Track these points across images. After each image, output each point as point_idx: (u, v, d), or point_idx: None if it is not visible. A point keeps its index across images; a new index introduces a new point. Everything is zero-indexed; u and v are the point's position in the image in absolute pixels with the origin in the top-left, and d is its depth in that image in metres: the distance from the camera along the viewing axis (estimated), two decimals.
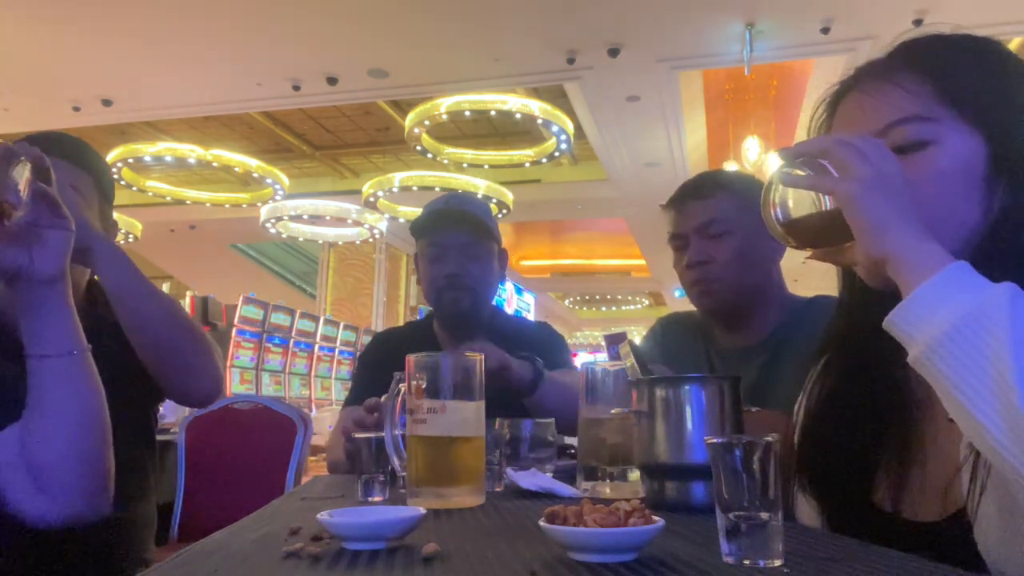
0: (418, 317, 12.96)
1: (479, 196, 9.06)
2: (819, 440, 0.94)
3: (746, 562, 0.61)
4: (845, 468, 0.89)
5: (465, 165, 9.97)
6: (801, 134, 8.58)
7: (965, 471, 0.75)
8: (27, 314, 0.97)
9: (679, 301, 19.65)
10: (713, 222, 1.52)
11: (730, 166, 8.27)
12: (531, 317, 14.34)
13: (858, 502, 0.88)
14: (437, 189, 9.74)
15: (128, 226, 11.94)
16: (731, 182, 1.59)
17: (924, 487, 0.83)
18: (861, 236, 0.71)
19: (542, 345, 1.78)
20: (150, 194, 11.24)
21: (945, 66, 0.83)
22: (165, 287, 12.33)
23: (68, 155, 1.33)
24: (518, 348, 1.60)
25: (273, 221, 11.50)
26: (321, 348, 11.57)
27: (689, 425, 0.94)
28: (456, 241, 1.77)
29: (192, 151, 9.44)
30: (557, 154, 9.11)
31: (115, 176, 7.87)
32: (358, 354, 11.08)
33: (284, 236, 12.45)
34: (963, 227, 0.80)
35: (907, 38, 0.88)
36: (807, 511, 0.96)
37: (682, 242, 1.57)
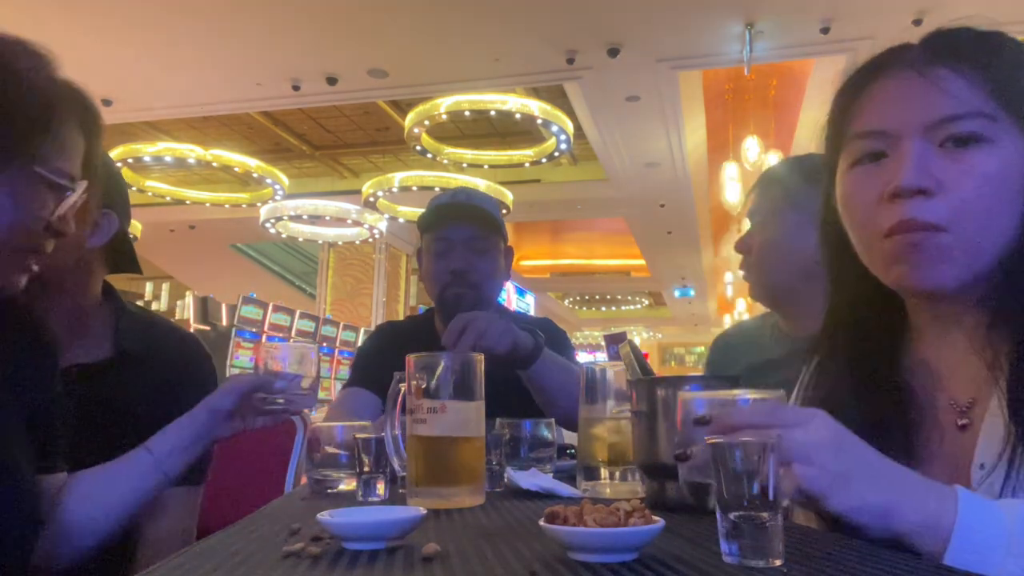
0: None
1: None
2: None
3: (746, 562, 0.61)
4: None
5: (465, 165, 9.95)
6: (801, 133, 8.57)
7: (983, 488, 0.74)
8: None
9: (679, 301, 19.64)
10: (754, 212, 1.51)
11: (730, 166, 8.26)
12: None
13: None
14: (437, 189, 9.72)
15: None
16: (780, 175, 1.54)
17: None
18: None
19: (546, 340, 1.78)
20: (150, 194, 11.22)
21: (999, 64, 0.80)
22: (165, 287, 12.36)
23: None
24: None
25: (273, 221, 11.49)
26: (321, 348, 11.55)
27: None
28: (462, 236, 1.76)
29: (192, 151, 9.42)
30: (557, 154, 9.09)
31: None
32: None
33: (284, 236, 12.44)
34: (1002, 236, 0.77)
35: (941, 28, 0.84)
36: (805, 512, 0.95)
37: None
